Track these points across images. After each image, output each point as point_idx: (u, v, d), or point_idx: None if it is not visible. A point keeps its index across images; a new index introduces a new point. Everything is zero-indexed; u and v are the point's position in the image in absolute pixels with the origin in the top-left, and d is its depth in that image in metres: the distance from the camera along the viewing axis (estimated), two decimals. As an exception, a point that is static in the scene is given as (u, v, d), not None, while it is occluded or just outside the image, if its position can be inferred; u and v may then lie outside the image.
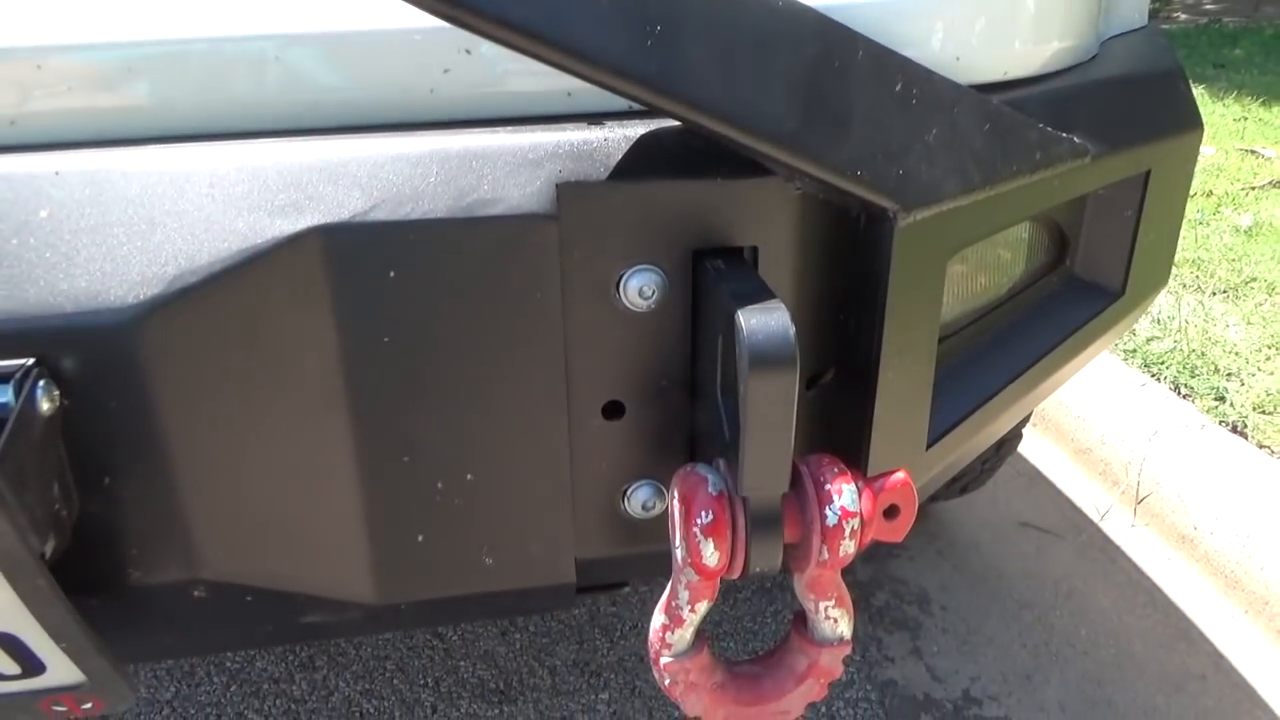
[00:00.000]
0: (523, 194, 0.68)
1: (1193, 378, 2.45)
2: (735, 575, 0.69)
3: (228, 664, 1.97)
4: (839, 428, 0.80)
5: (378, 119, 0.72)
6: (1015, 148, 0.80)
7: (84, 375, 0.63)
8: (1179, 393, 2.43)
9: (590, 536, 0.80)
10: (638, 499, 0.80)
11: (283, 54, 0.69)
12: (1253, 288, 2.89)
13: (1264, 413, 2.28)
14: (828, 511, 0.67)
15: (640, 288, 0.72)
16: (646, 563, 0.83)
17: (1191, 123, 1.00)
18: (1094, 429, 2.45)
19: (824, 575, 0.72)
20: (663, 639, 0.73)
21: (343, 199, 0.66)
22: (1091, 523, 2.30)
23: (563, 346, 0.72)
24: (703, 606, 0.72)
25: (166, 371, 0.65)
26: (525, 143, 0.70)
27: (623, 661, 1.97)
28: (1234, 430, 2.27)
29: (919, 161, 0.72)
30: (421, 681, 1.92)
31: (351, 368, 0.69)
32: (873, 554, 2.29)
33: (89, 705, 0.71)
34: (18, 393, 0.59)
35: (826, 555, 0.68)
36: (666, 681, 0.74)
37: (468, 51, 0.72)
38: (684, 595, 0.71)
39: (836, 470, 0.69)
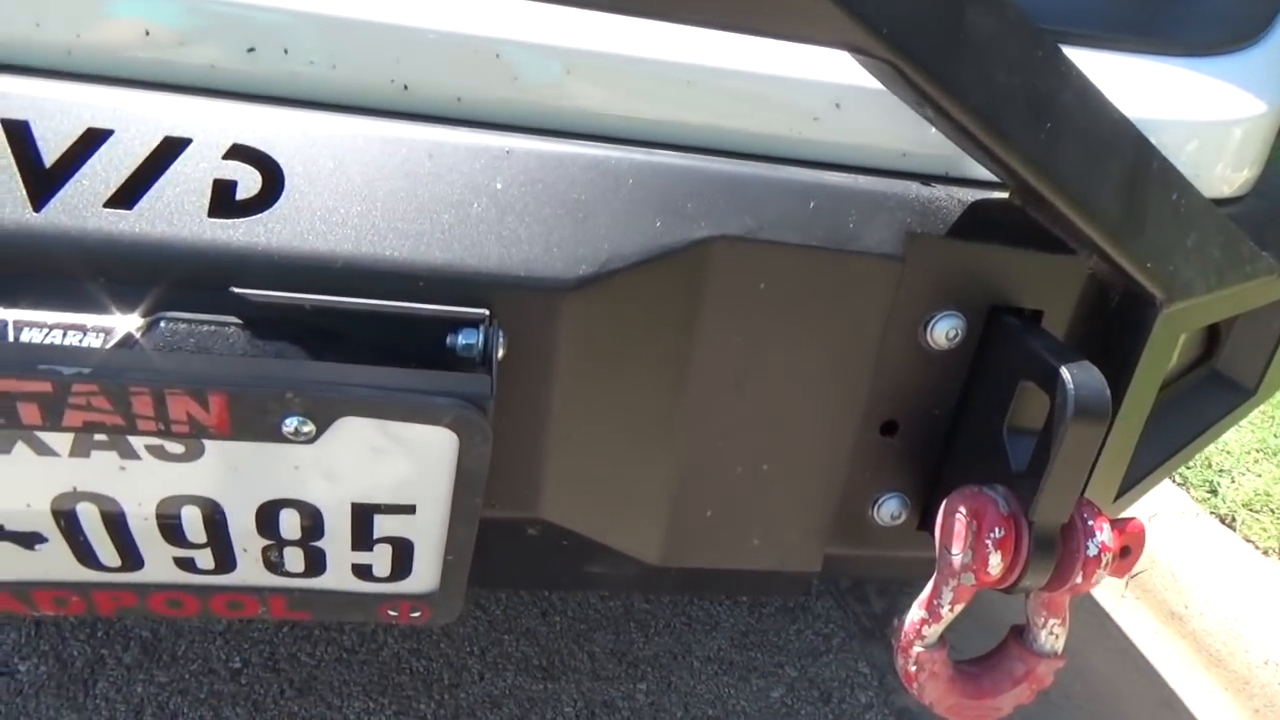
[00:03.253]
0: (879, 236, 0.80)
1: (1188, 469, 2.65)
2: (1005, 586, 0.81)
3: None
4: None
5: (757, 149, 0.83)
6: (1236, 259, 0.94)
7: (518, 330, 0.72)
8: (1175, 482, 2.64)
9: (840, 535, 0.92)
10: (887, 508, 0.92)
11: (699, 80, 0.80)
12: (1243, 396, 3.14)
13: (1252, 510, 2.49)
14: (1089, 544, 0.80)
15: (948, 330, 0.84)
16: (877, 565, 0.95)
17: (1336, 256, 1.17)
18: (1095, 503, 2.64)
19: (1062, 597, 0.85)
20: (919, 631, 0.84)
21: (738, 215, 0.77)
22: (1089, 593, 2.48)
23: (870, 369, 0.84)
24: (959, 608, 0.84)
25: (575, 337, 0.74)
26: (880, 190, 0.82)
27: (658, 656, 2.07)
28: (1224, 522, 2.48)
29: (1182, 262, 0.86)
30: (468, 649, 2.00)
31: (706, 358, 0.80)
32: (886, 589, 2.43)
33: (418, 614, 0.80)
34: (485, 338, 0.68)
35: (1081, 580, 0.81)
36: (913, 668, 0.86)
37: (837, 106, 0.83)
38: (947, 596, 0.83)
39: (1096, 511, 0.82)
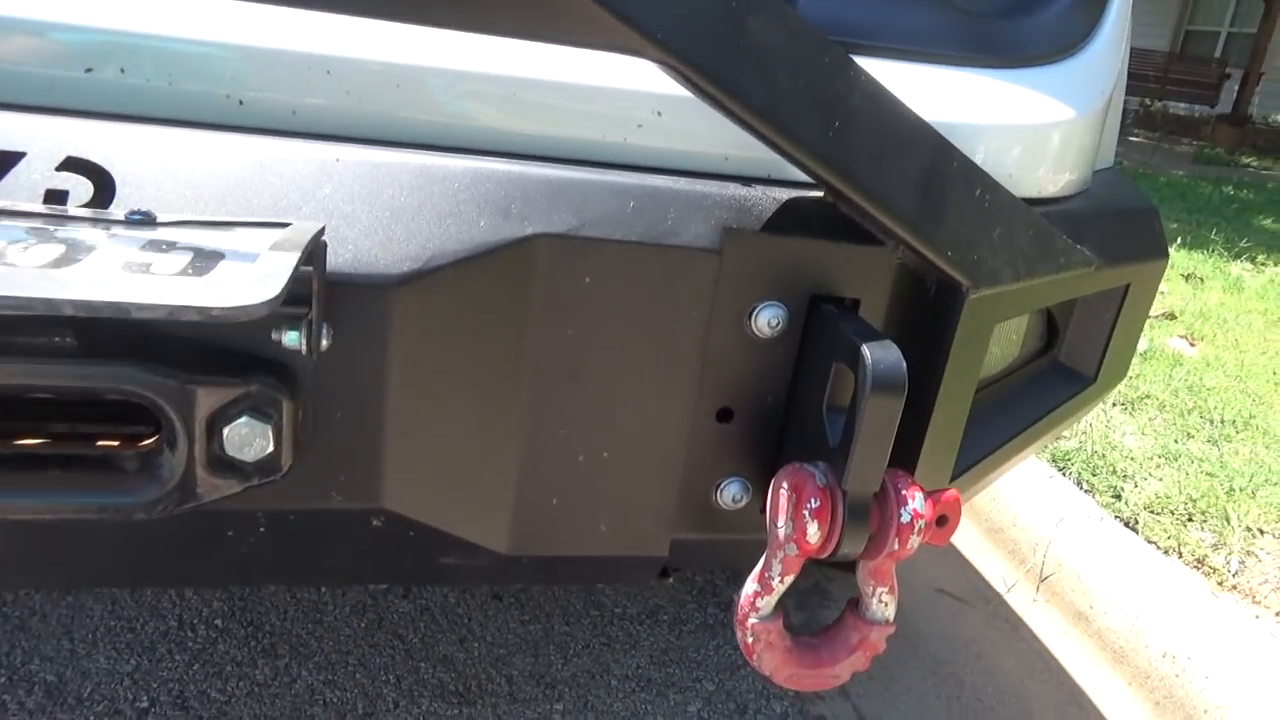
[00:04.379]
0: (696, 232, 0.86)
1: (1094, 475, 2.75)
2: (825, 555, 0.86)
3: (189, 643, 2.00)
4: (893, 449, 0.99)
5: (584, 155, 0.89)
6: (1048, 251, 1.02)
7: (346, 325, 0.76)
8: (1081, 487, 2.73)
9: (685, 520, 0.97)
10: (729, 492, 0.97)
11: (523, 92, 0.85)
12: (1146, 404, 3.26)
13: (1153, 512, 2.59)
14: (903, 511, 0.86)
15: (769, 319, 0.90)
16: (724, 550, 0.99)
17: (1162, 253, 1.26)
18: (1006, 511, 2.73)
19: (886, 565, 0.90)
20: (752, 603, 0.89)
21: (561, 215, 0.82)
22: (998, 595, 2.55)
23: (700, 358, 0.89)
24: (789, 580, 0.89)
25: (404, 332, 0.79)
26: (699, 190, 0.88)
27: (576, 677, 2.09)
28: (1127, 525, 2.57)
29: (987, 252, 0.93)
30: (384, 678, 2.00)
31: (540, 351, 0.85)
32: (805, 602, 2.48)
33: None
34: (308, 331, 0.73)
35: (897, 546, 0.86)
36: (750, 640, 0.90)
37: (659, 114, 0.90)
38: (777, 568, 0.87)
39: (909, 481, 0.88)
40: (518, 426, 0.87)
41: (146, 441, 0.74)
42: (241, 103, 0.81)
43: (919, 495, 0.87)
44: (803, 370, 0.93)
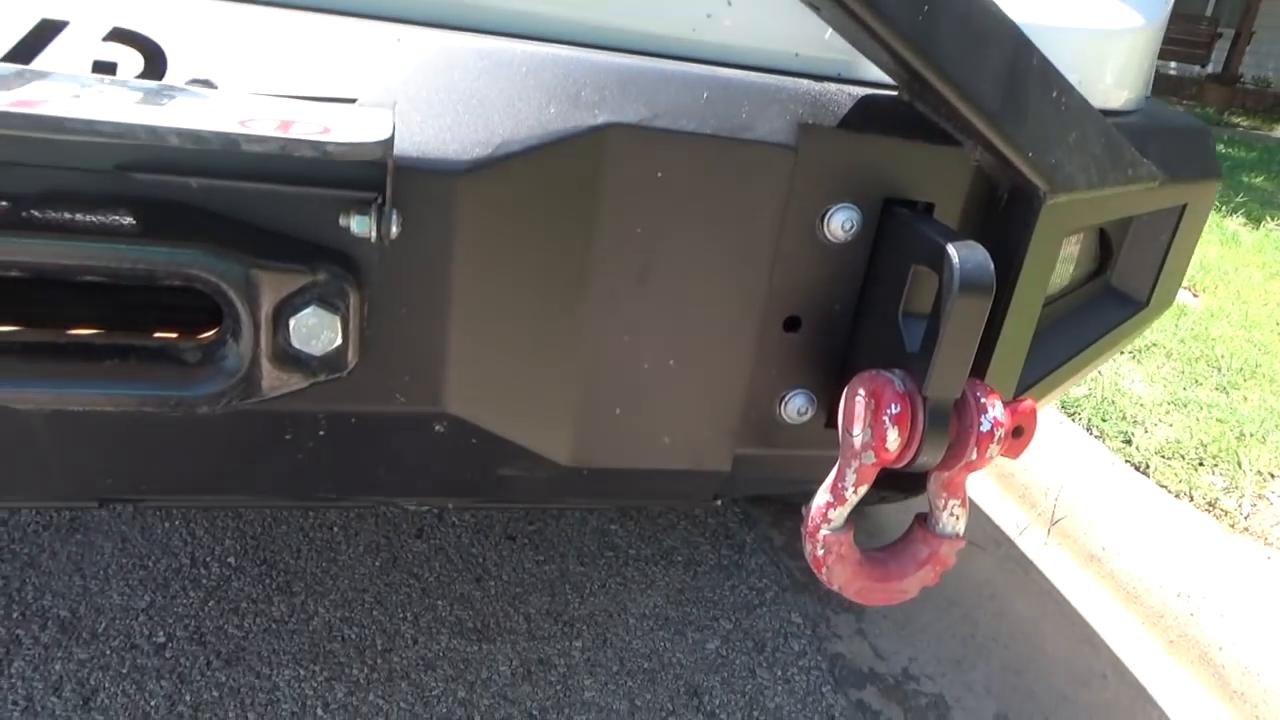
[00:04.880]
0: (772, 127, 0.82)
1: (1104, 421, 2.75)
2: (902, 463, 0.84)
3: (203, 580, 1.98)
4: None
5: (650, 46, 0.84)
6: (1118, 161, 0.98)
7: (413, 215, 0.72)
8: (1091, 433, 2.73)
9: (748, 434, 0.94)
10: (794, 405, 0.94)
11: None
12: (1154, 352, 3.26)
13: (1164, 457, 2.59)
14: (983, 420, 0.83)
15: (843, 222, 0.87)
16: (783, 466, 0.97)
17: (1217, 173, 1.22)
18: (1017, 456, 2.72)
19: (960, 477, 0.88)
20: (825, 514, 0.87)
21: (633, 104, 0.78)
22: (1010, 539, 2.56)
23: (770, 262, 0.86)
24: (862, 490, 0.86)
25: (472, 223, 0.75)
26: (773, 84, 0.84)
27: (594, 615, 2.08)
28: (1138, 469, 2.57)
29: (1063, 156, 0.90)
30: (401, 615, 1.98)
31: (606, 250, 0.81)
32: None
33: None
34: (377, 218, 0.69)
35: (975, 456, 0.83)
36: (820, 552, 0.88)
37: (729, 3, 0.85)
38: (851, 478, 0.85)
39: (987, 389, 0.85)
40: (583, 330, 0.83)
41: (207, 333, 0.70)
42: (295, -21, 0.76)
43: (998, 404, 0.84)
44: (875, 276, 0.89)
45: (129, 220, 0.63)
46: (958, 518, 0.90)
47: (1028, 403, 0.87)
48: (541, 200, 0.77)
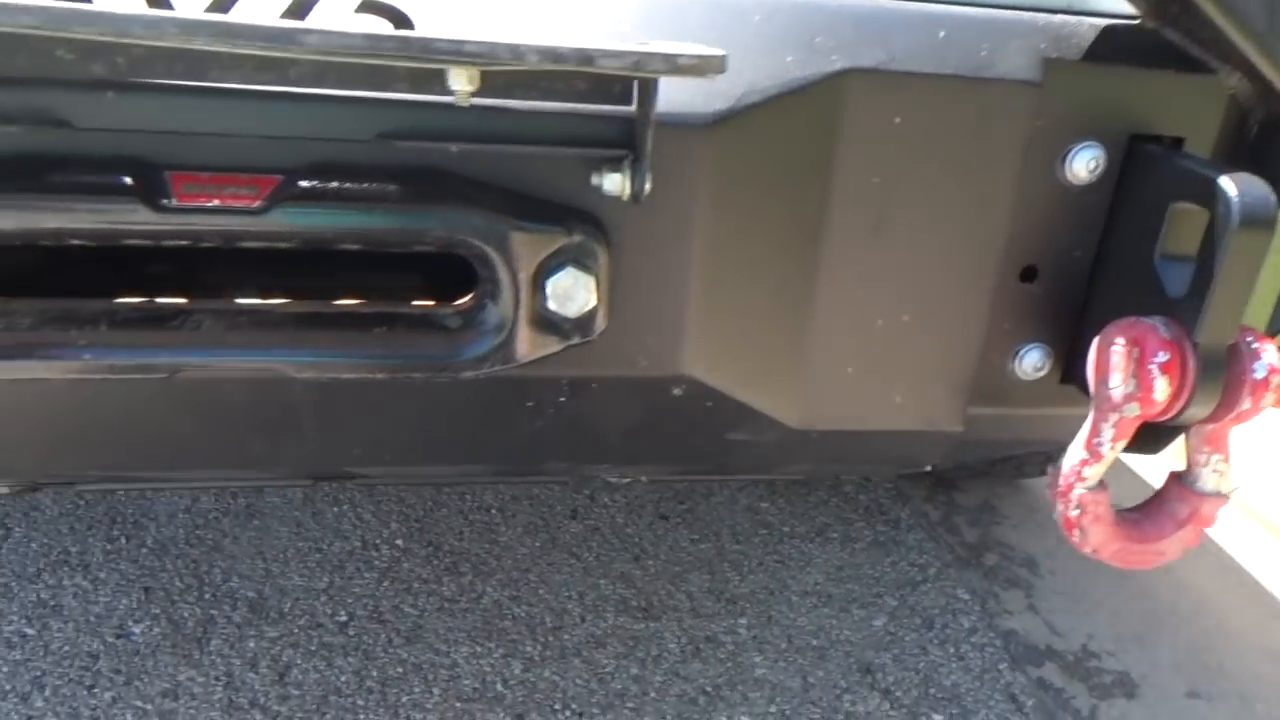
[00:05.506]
0: (1014, 63, 0.77)
1: None
2: (1170, 414, 0.78)
3: (376, 562, 2.04)
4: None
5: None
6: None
7: (662, 170, 0.71)
8: (1269, 396, 2.56)
9: (980, 391, 0.90)
10: (1030, 360, 0.89)
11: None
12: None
13: (1356, 419, 2.41)
14: (1256, 366, 0.77)
15: (1088, 162, 0.81)
16: (1015, 424, 0.92)
17: None
18: (1187, 423, 2.57)
19: (1225, 429, 0.82)
20: (1079, 473, 0.82)
21: (869, 48, 0.75)
22: (1184, 509, 2.42)
23: (1009, 209, 0.82)
24: (1120, 446, 0.81)
25: (714, 178, 0.73)
26: (1011, 18, 0.79)
27: (755, 593, 2.06)
28: (1325, 432, 2.40)
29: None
30: (566, 593, 2.00)
31: (843, 200, 0.78)
32: (977, 519, 2.40)
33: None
34: (629, 177, 0.67)
35: (1247, 405, 0.78)
36: (1074, 513, 0.83)
37: (961, -63, 0.81)
38: (1108, 433, 0.80)
39: (1256, 334, 0.79)
40: (817, 286, 0.81)
41: (463, 299, 0.70)
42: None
43: (1270, 348, 0.78)
44: (1121, 218, 0.84)
45: (394, 188, 0.64)
46: (1221, 473, 0.84)
47: (1301, 346, 0.80)
48: (780, 151, 0.75)
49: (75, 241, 0.59)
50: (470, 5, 0.72)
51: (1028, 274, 0.86)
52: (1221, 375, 0.77)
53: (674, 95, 0.71)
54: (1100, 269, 0.87)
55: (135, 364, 0.63)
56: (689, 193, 0.72)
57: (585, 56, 0.47)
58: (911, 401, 0.87)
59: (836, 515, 2.37)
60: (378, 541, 2.11)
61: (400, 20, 0.69)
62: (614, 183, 0.67)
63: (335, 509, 2.19)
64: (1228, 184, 0.72)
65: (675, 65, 0.48)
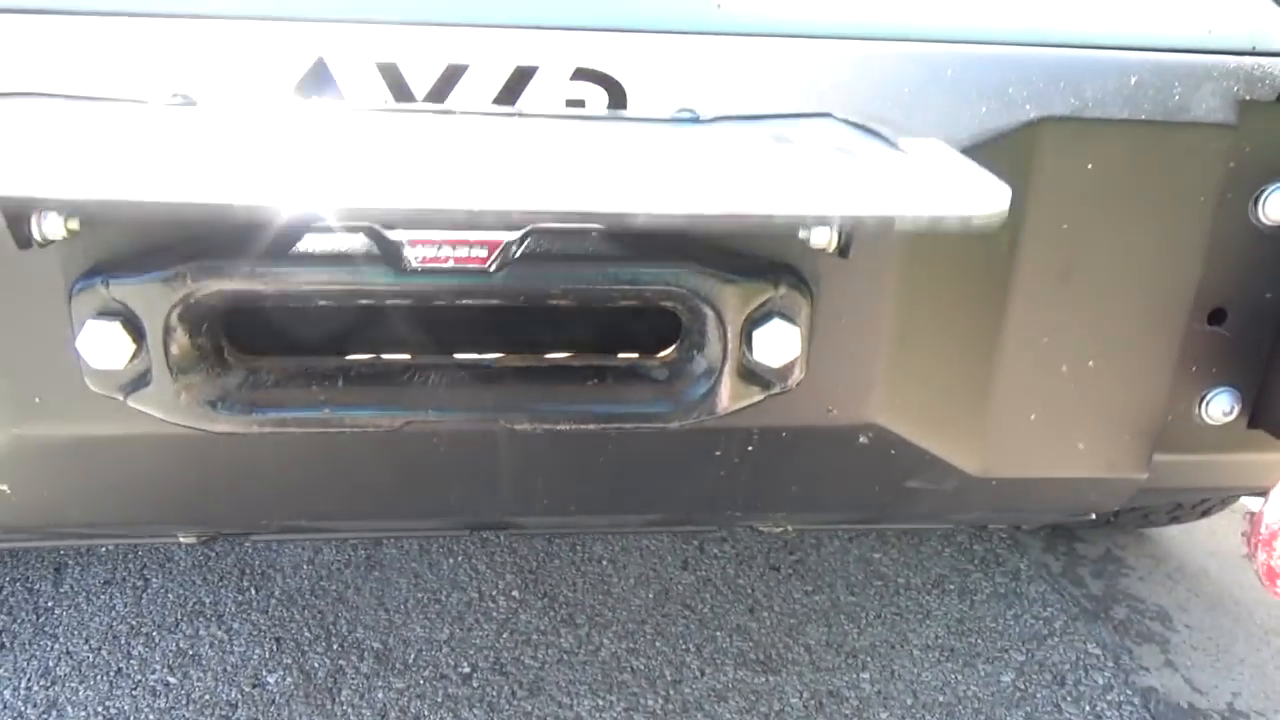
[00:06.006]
0: (1209, 106, 0.77)
1: None
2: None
3: (494, 613, 2.05)
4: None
5: (1064, 39, 0.82)
6: None
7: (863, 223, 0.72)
8: None
9: (1166, 436, 0.88)
10: (1218, 404, 0.87)
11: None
12: None
13: None
14: None
15: (1281, 203, 0.80)
16: (1200, 473, 0.90)
17: None
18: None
19: None
20: (1287, 521, 0.79)
21: (1062, 96, 0.76)
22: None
23: (1201, 251, 0.81)
24: (1330, 492, 0.78)
25: (909, 232, 0.74)
26: (1201, 62, 0.79)
27: (875, 646, 2.01)
28: None
29: None
30: (683, 646, 1.98)
31: (1033, 248, 0.78)
32: (1101, 571, 2.32)
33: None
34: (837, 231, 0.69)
35: None
36: (1277, 562, 0.81)
37: (1142, -15, 0.81)
38: (1317, 479, 0.78)
39: None
40: (1004, 333, 0.80)
41: (666, 351, 0.72)
42: (719, 6, 0.78)
43: None
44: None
45: (613, 245, 0.66)
46: None
47: None
48: (974, 200, 0.75)
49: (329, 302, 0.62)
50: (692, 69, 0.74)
51: (1216, 317, 0.85)
52: None
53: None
54: (1298, 311, 0.85)
55: (369, 419, 0.66)
56: (886, 246, 0.73)
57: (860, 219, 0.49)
58: (1095, 448, 0.86)
59: (952, 566, 2.31)
60: (494, 593, 2.12)
61: (612, 89, 0.72)
62: (822, 236, 0.69)
63: (450, 560, 2.22)
64: None
65: (970, 224, 0.50)
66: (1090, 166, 0.76)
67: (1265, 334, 0.86)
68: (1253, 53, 0.85)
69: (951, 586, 2.23)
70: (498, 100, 0.70)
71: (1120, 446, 0.86)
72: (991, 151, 0.74)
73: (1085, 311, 0.81)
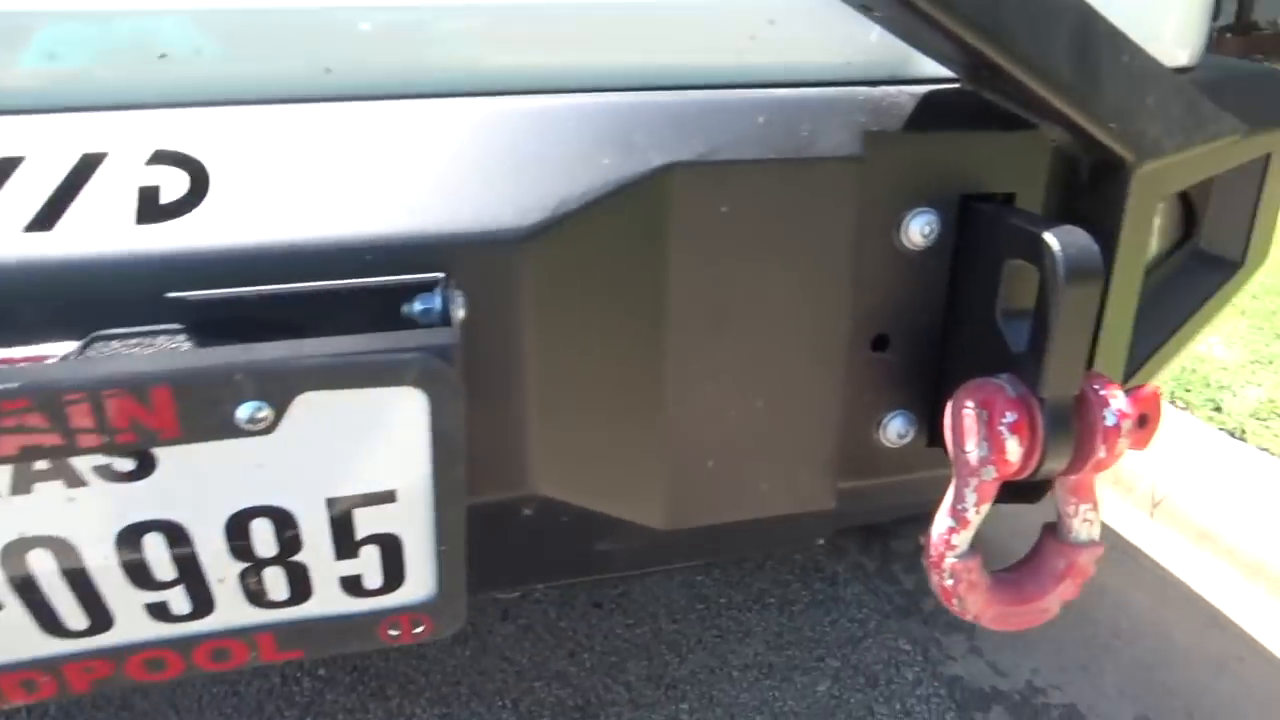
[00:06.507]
0: (836, 140, 0.77)
1: (1188, 392, 2.64)
2: (1027, 472, 0.77)
3: (297, 698, 1.93)
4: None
5: (697, 79, 0.80)
6: (1199, 119, 0.92)
7: (476, 290, 0.68)
8: (1177, 405, 2.62)
9: (849, 465, 0.88)
10: (893, 428, 0.88)
11: (624, 20, 0.77)
12: (1227, 312, 3.13)
13: (1259, 419, 2.47)
14: (1106, 414, 0.76)
15: (922, 227, 0.81)
16: (888, 494, 0.90)
17: (1299, 115, 1.15)
18: (1102, 442, 2.60)
19: (1088, 479, 0.81)
20: (947, 541, 0.80)
21: (688, 141, 0.74)
22: (1112, 529, 2.44)
23: (850, 281, 0.81)
24: (985, 509, 0.79)
25: (540, 290, 0.71)
26: (833, 96, 0.79)
27: (695, 674, 2.00)
28: (1234, 436, 2.45)
29: (1147, 121, 0.84)
30: (499, 703, 1.92)
31: (680, 296, 0.76)
32: (913, 565, 2.38)
33: (421, 628, 0.74)
34: (444, 300, 0.64)
35: (1103, 454, 0.77)
36: (949, 582, 0.81)
37: (771, 22, 0.81)
38: (971, 498, 0.78)
39: (1105, 380, 0.78)
40: (664, 385, 0.78)
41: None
42: (329, 70, 0.73)
43: (1119, 394, 0.77)
44: (963, 278, 0.84)
45: (190, 331, 0.60)
46: (1091, 522, 0.83)
47: (1150, 388, 0.80)
48: (607, 256, 0.73)
49: None
50: (282, 139, 0.69)
51: (880, 343, 0.85)
52: (1071, 428, 0.76)
53: (487, 211, 0.69)
54: (951, 331, 0.86)
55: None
56: (513, 307, 0.70)
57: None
58: (778, 487, 0.85)
59: (773, 579, 2.33)
60: (299, 674, 2.00)
61: (193, 171, 0.66)
62: (427, 310, 0.64)
63: (250, 643, 2.08)
64: (1051, 239, 0.72)
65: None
66: (725, 210, 0.75)
67: (930, 354, 0.87)
68: (892, 81, 0.87)
69: (772, 600, 2.25)
70: (59, 194, 0.63)
71: (804, 482, 0.86)
72: (619, 202, 0.72)
73: (745, 353, 0.80)
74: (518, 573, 0.83)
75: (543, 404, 0.74)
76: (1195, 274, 1.15)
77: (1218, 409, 2.53)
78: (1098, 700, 1.91)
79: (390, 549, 0.68)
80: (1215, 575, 2.22)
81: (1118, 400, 0.77)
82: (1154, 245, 1.14)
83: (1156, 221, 1.12)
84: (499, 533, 0.78)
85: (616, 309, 0.74)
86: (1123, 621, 2.13)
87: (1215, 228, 1.16)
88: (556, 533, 0.80)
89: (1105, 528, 2.45)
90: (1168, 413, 2.60)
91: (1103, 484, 2.60)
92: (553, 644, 2.10)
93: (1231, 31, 15.14)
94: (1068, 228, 0.73)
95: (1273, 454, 2.35)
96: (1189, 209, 1.16)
